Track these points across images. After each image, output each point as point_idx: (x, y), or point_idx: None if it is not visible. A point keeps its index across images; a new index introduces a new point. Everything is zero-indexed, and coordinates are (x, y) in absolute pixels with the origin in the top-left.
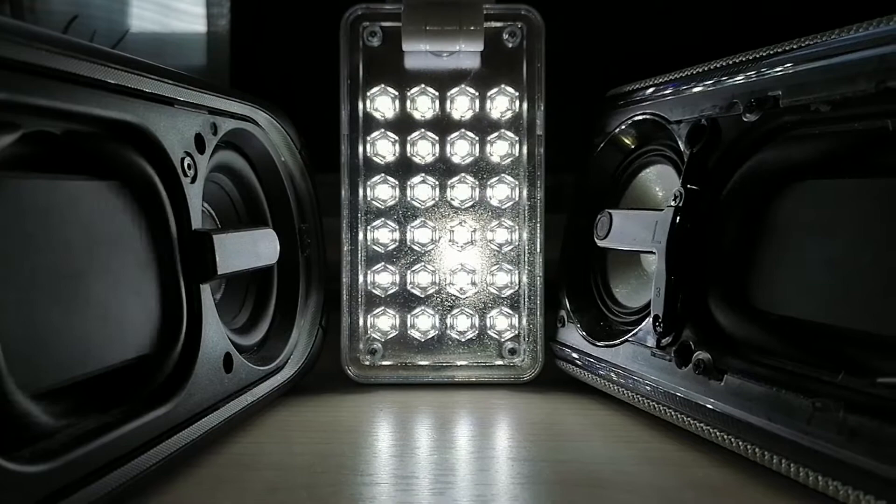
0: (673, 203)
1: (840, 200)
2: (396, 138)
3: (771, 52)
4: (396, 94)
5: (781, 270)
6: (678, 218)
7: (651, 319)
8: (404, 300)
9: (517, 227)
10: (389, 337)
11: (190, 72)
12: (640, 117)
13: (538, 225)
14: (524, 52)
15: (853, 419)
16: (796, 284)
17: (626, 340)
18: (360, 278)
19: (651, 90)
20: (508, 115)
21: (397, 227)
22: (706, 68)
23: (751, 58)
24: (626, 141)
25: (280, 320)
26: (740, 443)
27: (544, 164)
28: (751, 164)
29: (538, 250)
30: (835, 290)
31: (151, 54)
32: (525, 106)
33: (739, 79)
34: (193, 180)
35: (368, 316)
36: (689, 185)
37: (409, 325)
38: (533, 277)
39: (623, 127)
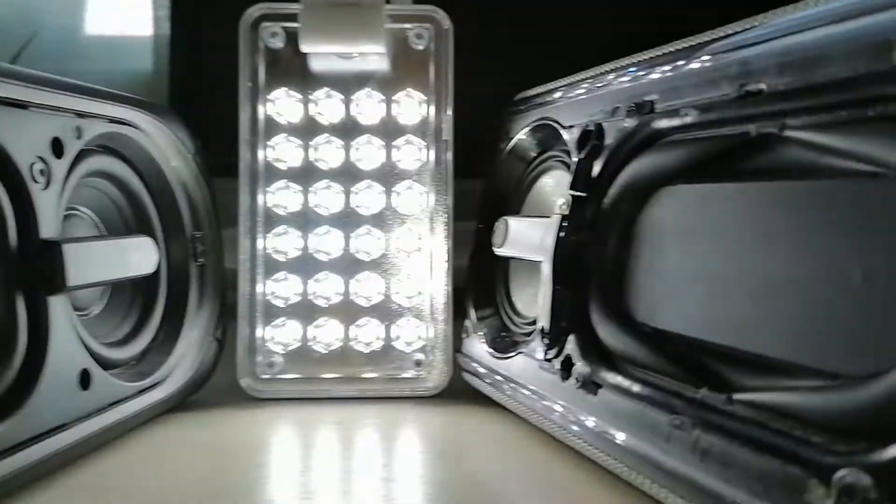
0: (559, 210)
1: (706, 209)
2: (300, 143)
3: (651, 56)
4: (300, 97)
5: (654, 281)
6: (563, 226)
7: (539, 331)
8: (307, 311)
9: (425, 235)
10: (290, 349)
11: (137, 75)
12: (538, 122)
13: (446, 232)
14: (432, 54)
15: (706, 438)
16: (667, 295)
17: (520, 352)
18: (260, 288)
19: (550, 95)
20: (416, 119)
21: (300, 234)
22: (596, 72)
23: (633, 61)
24: (528, 147)
25: (165, 332)
26: (613, 461)
27: (452, 170)
28: (629, 171)
29: (446, 258)
30: (700, 303)
31: (103, 56)
32: (433, 110)
33: (624, 83)
34: (47, 186)
35: (268, 327)
36: (574, 192)
37: (311, 336)
38: (441, 286)
39: (525, 132)
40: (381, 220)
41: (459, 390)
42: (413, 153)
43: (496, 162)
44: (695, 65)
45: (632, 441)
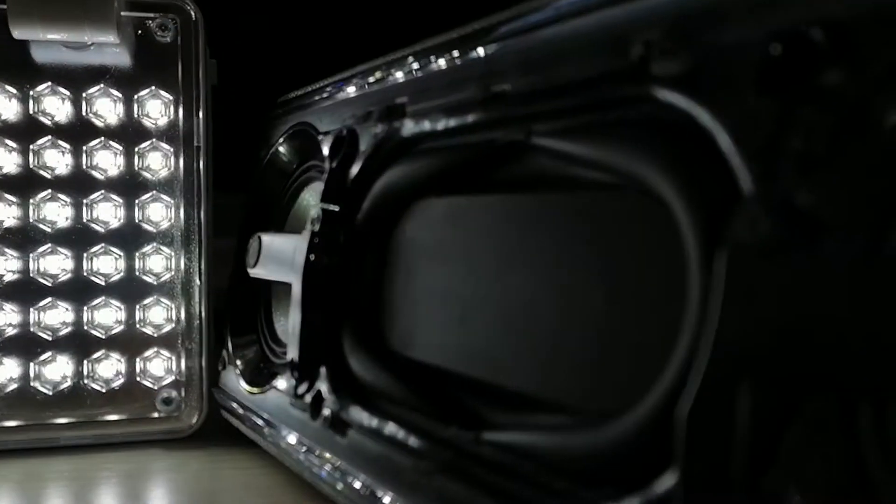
0: (310, 226)
1: (456, 225)
2: (16, 146)
3: (403, 55)
4: (15, 92)
5: (407, 305)
6: (314, 243)
7: (289, 363)
8: (27, 345)
9: (175, 254)
10: (7, 391)
11: None
12: (296, 129)
13: (200, 250)
14: (179, 49)
15: (451, 487)
16: (419, 322)
17: (274, 387)
18: None
19: (309, 97)
20: (163, 122)
21: (17, 254)
22: (353, 72)
23: (387, 60)
24: (289, 156)
25: None
26: None
27: (210, 181)
28: (381, 183)
29: (200, 281)
30: (451, 330)
31: None
32: (182, 112)
33: (377, 85)
34: None
35: None
36: (326, 206)
37: (33, 375)
38: (194, 312)
39: (284, 140)
40: (122, 237)
41: (218, 429)
42: (159, 160)
43: (256, 172)
44: (443, 63)
45: (377, 491)
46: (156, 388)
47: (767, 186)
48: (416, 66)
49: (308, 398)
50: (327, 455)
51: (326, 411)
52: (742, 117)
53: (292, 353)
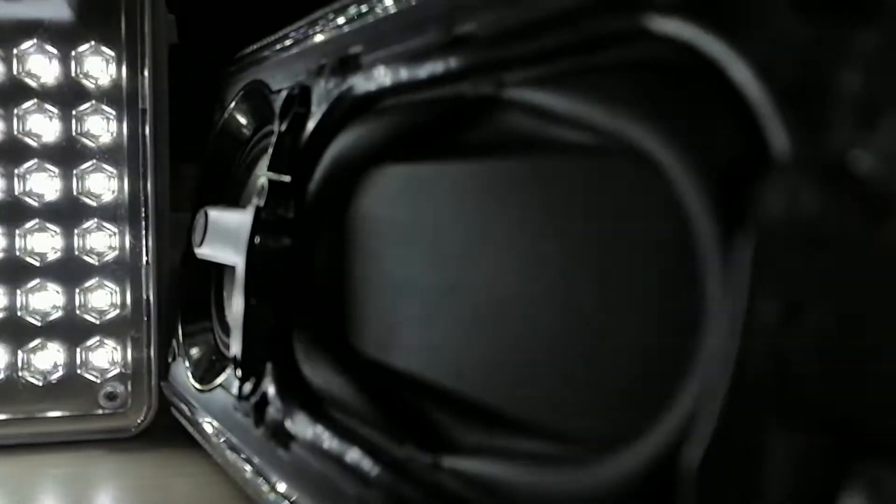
0: (256, 200)
1: (422, 198)
2: None
3: None
4: None
5: (365, 295)
6: (261, 219)
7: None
8: None
9: (119, 231)
10: None
11: None
12: (248, 87)
13: (148, 227)
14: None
15: None
16: (379, 314)
17: (221, 385)
18: None
19: (264, 51)
20: (105, 82)
21: None
22: (306, 21)
23: (340, 5)
24: (244, 119)
25: None
26: None
27: (158, 149)
28: (336, 147)
29: (149, 261)
30: (415, 324)
31: None
32: (126, 71)
33: (331, 33)
34: None
35: None
36: (274, 176)
37: None
38: (141, 297)
39: (236, 101)
40: (59, 212)
41: (169, 426)
42: (100, 125)
43: (209, 139)
44: (401, 2)
45: None
46: (99, 381)
47: (811, 142)
48: (366, 7)
49: (252, 401)
50: (269, 472)
51: (270, 418)
52: (770, 44)
53: (235, 348)
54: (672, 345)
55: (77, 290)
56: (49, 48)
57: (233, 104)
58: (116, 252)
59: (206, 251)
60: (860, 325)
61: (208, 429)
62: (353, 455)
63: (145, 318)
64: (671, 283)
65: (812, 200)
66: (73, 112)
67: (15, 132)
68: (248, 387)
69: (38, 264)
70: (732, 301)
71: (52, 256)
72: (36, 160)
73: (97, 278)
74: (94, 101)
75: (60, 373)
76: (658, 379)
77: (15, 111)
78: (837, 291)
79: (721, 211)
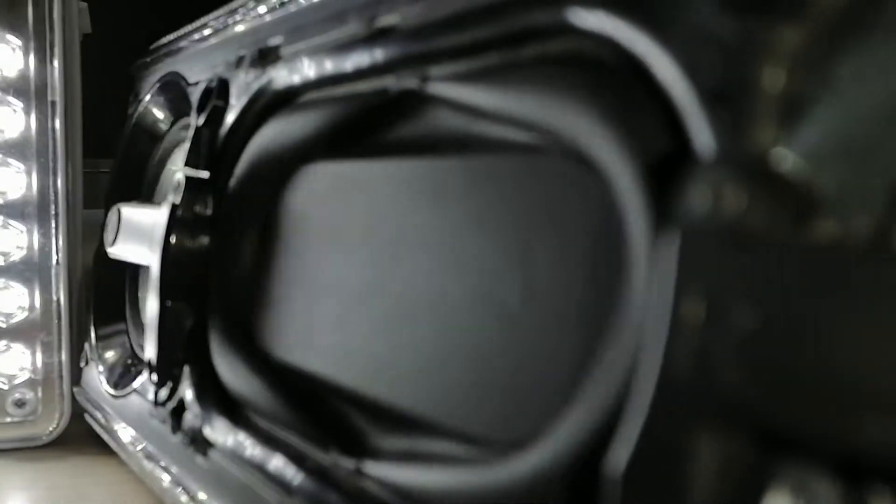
0: (171, 197)
1: (342, 197)
2: None
3: None
4: None
5: (288, 297)
6: (177, 217)
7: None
8: None
9: (28, 229)
10: None
11: None
12: (164, 79)
13: (58, 226)
14: None
15: None
16: (300, 318)
17: (136, 390)
18: None
19: (180, 41)
20: (11, 72)
21: None
22: (225, 10)
23: None
24: (159, 112)
25: None
26: None
27: (69, 143)
28: (256, 143)
29: (59, 261)
30: (335, 328)
31: None
32: (34, 61)
33: (250, 22)
34: None
35: None
36: (191, 172)
37: None
38: (51, 299)
39: (152, 93)
40: None
41: (83, 434)
42: (7, 118)
43: (124, 132)
44: None
45: None
46: (7, 387)
47: (735, 140)
48: None
49: (168, 407)
50: (188, 481)
51: (188, 425)
52: (694, 41)
53: (150, 352)
54: (597, 345)
55: None
56: None
57: (148, 97)
58: (24, 251)
59: (119, 250)
60: (785, 325)
61: (124, 436)
62: (276, 462)
63: (56, 321)
64: (597, 282)
65: (735, 199)
66: None
67: None
68: (164, 392)
69: None
70: (659, 300)
71: None
72: None
73: (3, 279)
74: None
75: None
76: (582, 380)
77: None
78: (761, 290)
79: (646, 210)
